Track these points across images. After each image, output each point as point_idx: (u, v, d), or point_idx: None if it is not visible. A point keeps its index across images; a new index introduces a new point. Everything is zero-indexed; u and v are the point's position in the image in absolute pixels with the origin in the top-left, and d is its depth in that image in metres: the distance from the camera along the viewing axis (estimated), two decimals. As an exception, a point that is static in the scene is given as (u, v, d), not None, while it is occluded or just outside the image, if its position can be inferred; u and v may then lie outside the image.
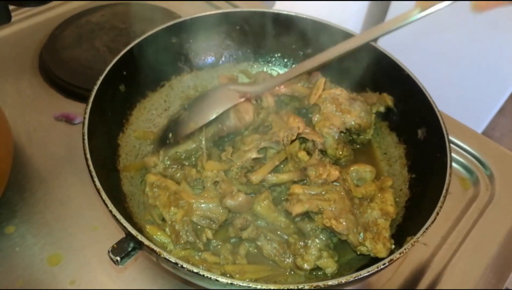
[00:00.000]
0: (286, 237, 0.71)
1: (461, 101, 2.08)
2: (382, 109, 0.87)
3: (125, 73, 0.81)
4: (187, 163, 0.75)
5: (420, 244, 0.85)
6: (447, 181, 0.69)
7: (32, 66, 1.07)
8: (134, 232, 0.57)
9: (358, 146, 0.88)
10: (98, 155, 0.70)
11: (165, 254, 0.55)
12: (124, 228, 0.58)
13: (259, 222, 0.71)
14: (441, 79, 2.08)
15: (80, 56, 1.05)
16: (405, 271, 0.80)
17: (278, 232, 0.72)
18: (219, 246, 0.70)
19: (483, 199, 0.91)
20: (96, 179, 0.61)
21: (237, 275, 0.66)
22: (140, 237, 0.57)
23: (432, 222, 0.63)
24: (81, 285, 0.73)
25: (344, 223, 0.64)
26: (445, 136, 0.74)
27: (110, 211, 0.59)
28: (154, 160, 0.73)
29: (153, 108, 0.89)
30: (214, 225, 0.68)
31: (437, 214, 0.64)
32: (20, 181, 0.85)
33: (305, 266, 0.66)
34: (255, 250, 0.72)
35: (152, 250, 0.56)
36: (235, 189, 0.68)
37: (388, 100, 0.87)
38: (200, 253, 0.69)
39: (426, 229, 0.62)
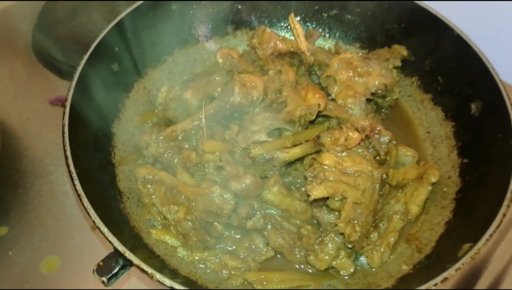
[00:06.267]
0: (297, 226, 0.62)
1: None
2: (398, 62, 0.75)
3: (117, 49, 0.70)
4: (186, 146, 0.64)
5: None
6: (514, 171, 0.54)
7: (24, 46, 0.97)
8: (121, 248, 0.47)
9: (386, 111, 0.77)
10: (86, 147, 0.61)
11: (158, 277, 0.45)
12: (111, 243, 0.48)
13: (272, 211, 0.62)
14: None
15: (75, 31, 0.94)
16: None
17: (290, 221, 0.62)
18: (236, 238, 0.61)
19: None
20: (77, 182, 0.51)
21: (259, 286, 0.57)
22: (128, 255, 0.46)
23: (497, 227, 0.49)
24: (81, 294, 0.65)
25: (358, 232, 0.55)
26: (510, 111, 0.59)
27: (94, 221, 0.49)
28: (146, 139, 0.63)
29: (154, 87, 0.77)
30: (221, 218, 0.57)
31: (503, 216, 0.50)
32: (13, 177, 0.77)
33: (318, 266, 0.57)
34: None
35: (143, 270, 0.46)
36: (242, 170, 0.57)
37: (402, 50, 0.76)
38: (219, 256, 0.60)
39: (490, 236, 0.49)
